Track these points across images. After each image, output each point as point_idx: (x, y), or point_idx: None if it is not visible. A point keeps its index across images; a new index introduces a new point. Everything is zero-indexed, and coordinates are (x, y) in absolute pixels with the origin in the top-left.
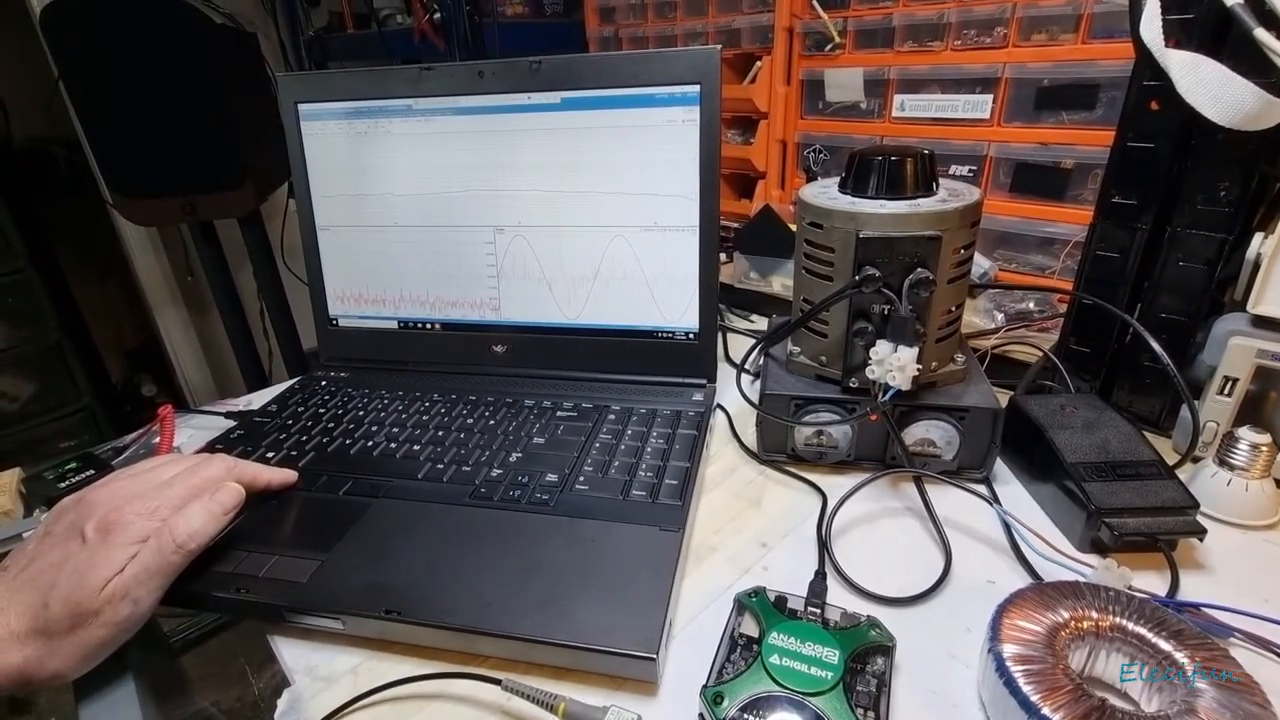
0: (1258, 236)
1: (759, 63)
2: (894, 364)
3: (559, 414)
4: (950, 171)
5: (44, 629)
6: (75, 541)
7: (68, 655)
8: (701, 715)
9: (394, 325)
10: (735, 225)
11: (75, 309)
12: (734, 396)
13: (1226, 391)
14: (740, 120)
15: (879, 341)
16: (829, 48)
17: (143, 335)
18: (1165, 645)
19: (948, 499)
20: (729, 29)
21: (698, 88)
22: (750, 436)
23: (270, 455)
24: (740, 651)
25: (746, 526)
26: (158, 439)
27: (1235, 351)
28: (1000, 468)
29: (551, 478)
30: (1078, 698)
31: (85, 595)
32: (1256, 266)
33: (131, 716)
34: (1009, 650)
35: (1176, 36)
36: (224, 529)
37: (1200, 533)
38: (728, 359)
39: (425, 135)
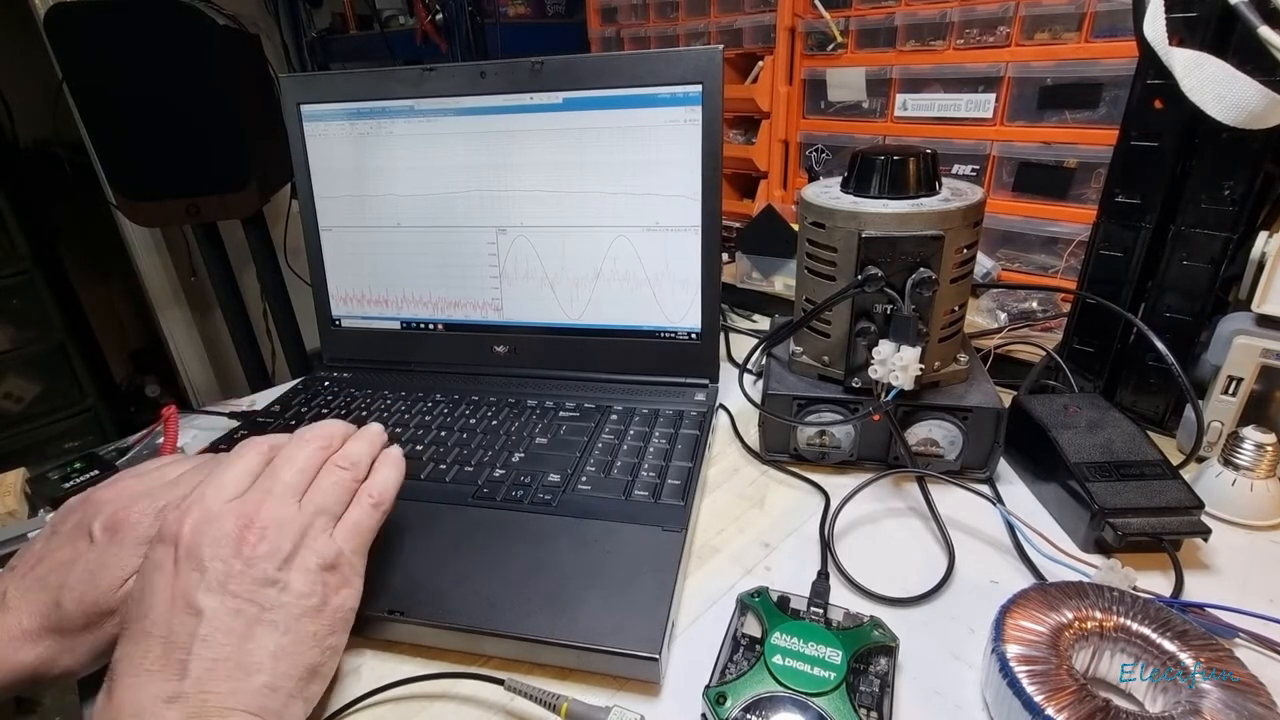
0: (1262, 235)
1: (761, 62)
2: (896, 364)
3: (561, 414)
4: (953, 171)
5: (56, 628)
6: (83, 541)
7: (81, 653)
8: (704, 715)
9: (396, 326)
10: (737, 225)
11: (79, 310)
12: (736, 397)
13: (1231, 391)
14: (742, 120)
15: (881, 341)
16: (831, 47)
17: (146, 336)
18: (1170, 646)
19: (951, 499)
20: (731, 29)
21: (699, 87)
22: (753, 437)
23: None
24: (743, 652)
25: (749, 527)
26: (161, 439)
27: (1240, 351)
28: (1003, 468)
29: (554, 478)
30: (1082, 698)
31: (100, 594)
32: (1261, 265)
33: None
34: (1013, 651)
35: (1180, 35)
36: None
37: (1205, 533)
38: (730, 359)
39: (427, 136)
